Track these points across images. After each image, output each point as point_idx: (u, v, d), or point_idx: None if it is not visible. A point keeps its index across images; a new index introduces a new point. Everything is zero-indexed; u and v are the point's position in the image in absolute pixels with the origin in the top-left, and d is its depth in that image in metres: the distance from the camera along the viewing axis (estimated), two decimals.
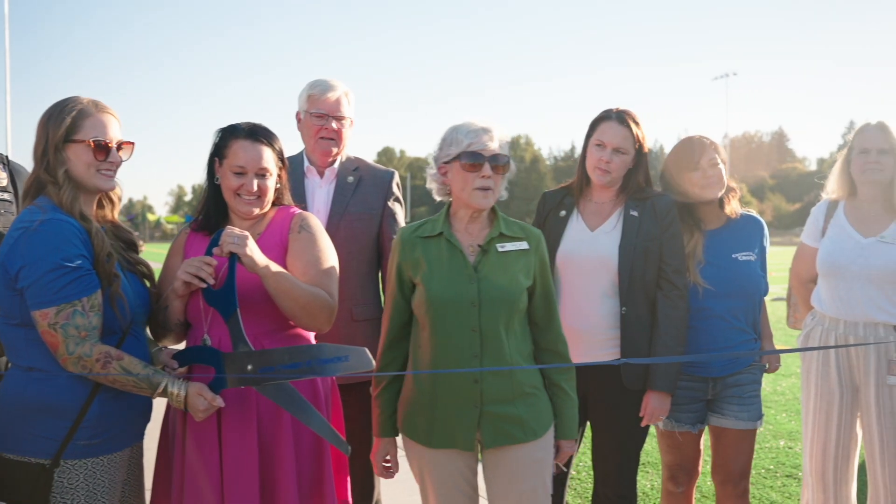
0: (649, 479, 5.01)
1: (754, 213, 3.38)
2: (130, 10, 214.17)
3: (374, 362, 2.21)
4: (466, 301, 2.48)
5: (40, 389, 2.25)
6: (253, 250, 2.36)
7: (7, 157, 3.04)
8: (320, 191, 3.27)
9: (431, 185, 2.64)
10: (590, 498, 3.51)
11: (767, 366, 3.35)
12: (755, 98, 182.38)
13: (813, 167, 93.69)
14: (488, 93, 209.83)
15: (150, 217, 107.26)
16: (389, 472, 2.73)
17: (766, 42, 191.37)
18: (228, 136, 2.54)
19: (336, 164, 3.32)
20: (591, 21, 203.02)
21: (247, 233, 2.40)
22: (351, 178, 3.29)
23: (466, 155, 2.49)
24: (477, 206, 2.54)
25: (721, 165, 3.22)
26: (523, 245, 2.57)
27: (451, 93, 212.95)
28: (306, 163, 3.31)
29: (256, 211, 2.56)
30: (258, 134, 2.54)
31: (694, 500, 3.41)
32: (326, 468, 2.56)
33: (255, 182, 2.50)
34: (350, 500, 2.76)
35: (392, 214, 3.33)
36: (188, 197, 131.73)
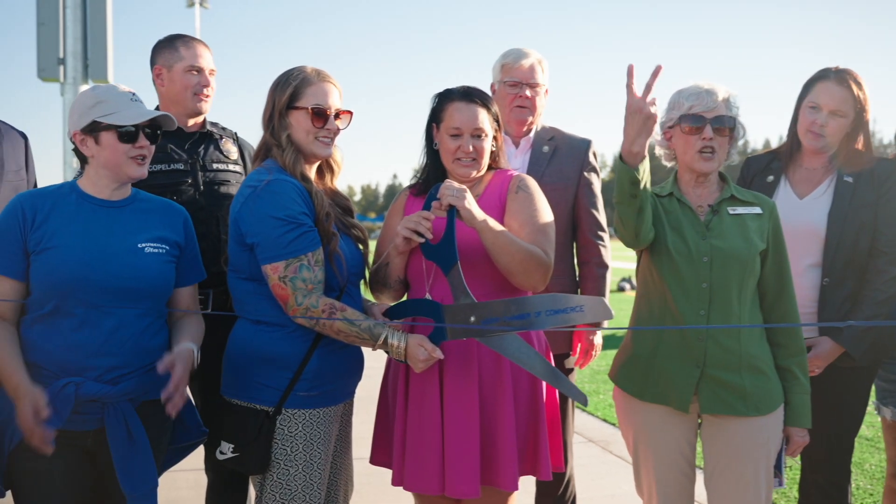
0: (852, 477, 4.64)
1: None
2: None
3: (612, 312, 2.14)
4: (699, 254, 2.44)
5: (266, 341, 2.39)
6: (471, 203, 2.37)
7: (236, 133, 3.29)
8: (515, 160, 3.27)
9: (659, 151, 2.62)
10: (796, 486, 3.28)
11: None
12: None
13: None
14: None
15: None
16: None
17: None
18: (444, 100, 2.60)
19: (531, 134, 3.30)
20: None
21: (465, 186, 2.42)
22: (546, 148, 3.27)
23: (687, 118, 2.48)
24: (699, 170, 2.50)
25: None
26: (756, 210, 2.51)
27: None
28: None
29: (473, 174, 2.58)
30: (473, 95, 2.57)
31: None
32: (542, 431, 2.53)
33: (471, 143, 2.53)
34: (564, 468, 2.67)
35: (588, 184, 3.27)
36: None
